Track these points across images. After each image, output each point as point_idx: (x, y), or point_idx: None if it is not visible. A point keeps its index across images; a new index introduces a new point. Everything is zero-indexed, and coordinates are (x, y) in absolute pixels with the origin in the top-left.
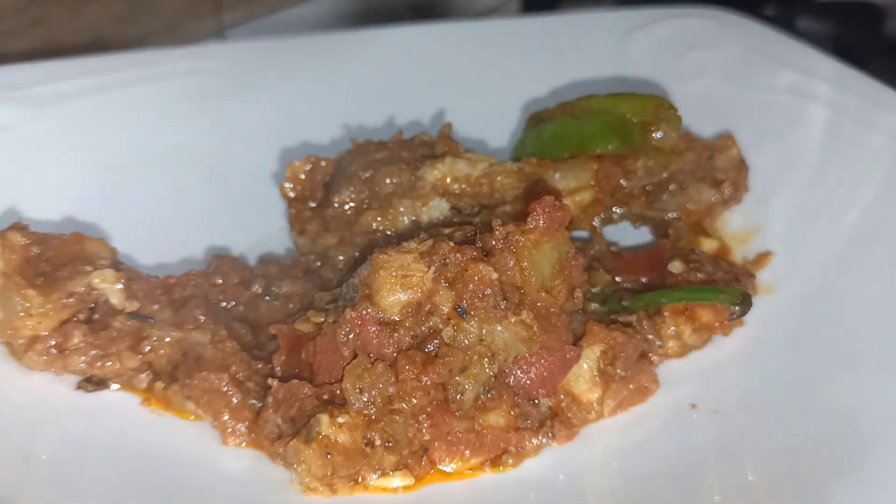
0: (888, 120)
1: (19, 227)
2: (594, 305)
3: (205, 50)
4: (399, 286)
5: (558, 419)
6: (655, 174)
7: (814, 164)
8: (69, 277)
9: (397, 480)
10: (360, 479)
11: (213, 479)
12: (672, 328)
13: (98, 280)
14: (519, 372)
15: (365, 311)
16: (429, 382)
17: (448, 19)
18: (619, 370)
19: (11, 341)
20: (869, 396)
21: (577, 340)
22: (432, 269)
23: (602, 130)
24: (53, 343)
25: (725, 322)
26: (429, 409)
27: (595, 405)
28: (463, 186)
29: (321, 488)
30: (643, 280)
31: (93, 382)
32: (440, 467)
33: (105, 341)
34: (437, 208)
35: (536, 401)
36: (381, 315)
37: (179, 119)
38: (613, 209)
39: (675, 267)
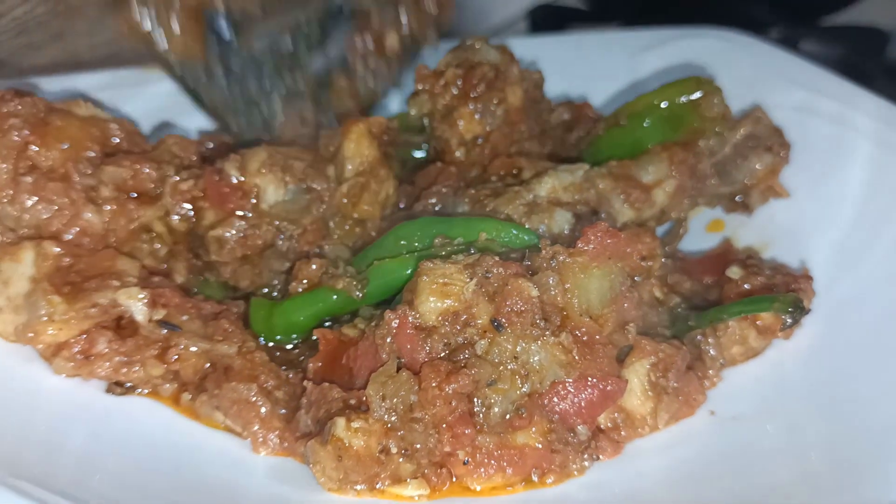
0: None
1: (57, 237)
2: (660, 329)
3: None
4: (439, 293)
5: (604, 435)
6: (719, 149)
7: (826, 179)
8: (96, 289)
9: (411, 489)
10: (376, 486)
11: (243, 474)
12: (737, 334)
13: (123, 297)
14: (555, 398)
15: (402, 313)
16: (451, 392)
17: (458, 37)
18: (671, 382)
19: (32, 345)
20: (889, 402)
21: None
22: (474, 280)
23: (652, 126)
24: (79, 349)
25: (779, 331)
26: (450, 419)
27: (649, 419)
28: (574, 196)
29: (338, 488)
30: (706, 281)
31: (121, 386)
32: (466, 482)
33: (131, 349)
34: (563, 218)
35: (573, 430)
36: (419, 320)
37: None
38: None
39: (734, 272)
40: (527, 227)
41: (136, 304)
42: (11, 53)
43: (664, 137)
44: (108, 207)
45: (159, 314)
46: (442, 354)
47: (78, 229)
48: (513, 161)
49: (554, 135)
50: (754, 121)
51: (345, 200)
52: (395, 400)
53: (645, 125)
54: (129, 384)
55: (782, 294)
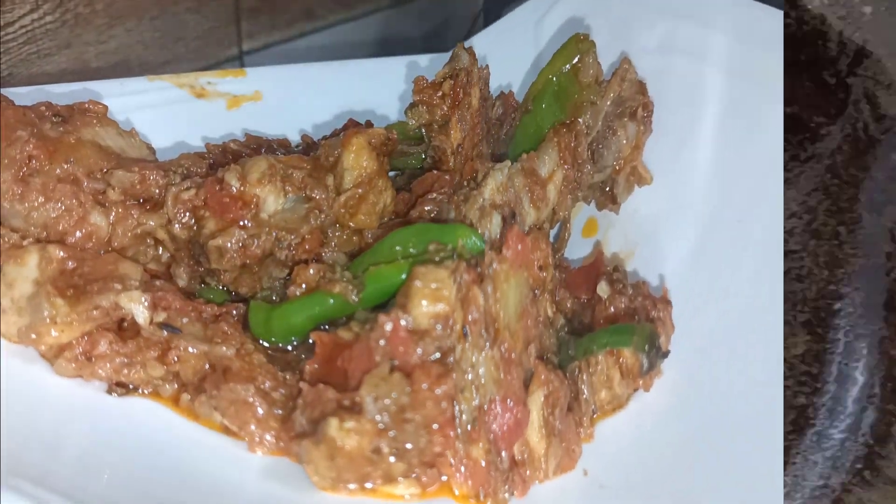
0: None
1: (61, 242)
2: (549, 355)
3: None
4: (431, 297)
5: (517, 469)
6: (593, 125)
7: (681, 152)
8: (98, 292)
9: (402, 489)
10: (366, 486)
11: (239, 473)
12: (605, 374)
13: (125, 300)
14: (489, 416)
15: (396, 317)
16: (440, 394)
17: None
18: (557, 422)
19: (34, 346)
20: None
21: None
22: (455, 286)
23: (548, 107)
24: (80, 350)
25: (640, 377)
26: (440, 420)
27: (543, 462)
28: (504, 197)
29: (330, 487)
30: (583, 298)
31: (122, 387)
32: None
33: (132, 350)
34: (496, 222)
35: (500, 455)
36: (411, 323)
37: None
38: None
39: (603, 290)
40: (479, 231)
41: (138, 307)
42: (20, 61)
43: (555, 118)
44: (114, 212)
45: (160, 317)
46: (433, 357)
47: (84, 231)
48: (472, 164)
49: (495, 132)
50: (620, 78)
51: (343, 211)
52: (387, 401)
53: (543, 107)
54: (129, 385)
55: (640, 325)
